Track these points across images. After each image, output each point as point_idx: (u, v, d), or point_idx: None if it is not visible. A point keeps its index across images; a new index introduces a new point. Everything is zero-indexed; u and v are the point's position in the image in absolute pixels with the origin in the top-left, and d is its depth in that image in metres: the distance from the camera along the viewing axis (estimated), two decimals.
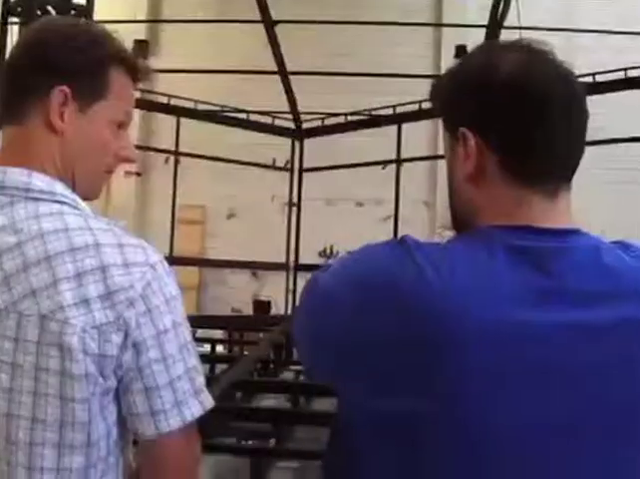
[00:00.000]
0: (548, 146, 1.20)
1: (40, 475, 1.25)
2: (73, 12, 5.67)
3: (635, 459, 1.17)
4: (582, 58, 11.36)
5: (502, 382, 1.11)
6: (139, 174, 13.31)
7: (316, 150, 9.74)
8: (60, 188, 1.35)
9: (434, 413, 1.11)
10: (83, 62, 1.39)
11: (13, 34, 5.98)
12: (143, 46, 12.63)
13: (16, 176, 1.33)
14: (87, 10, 5.67)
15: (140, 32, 12.65)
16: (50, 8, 5.76)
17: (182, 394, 1.33)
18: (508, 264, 1.15)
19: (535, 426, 1.12)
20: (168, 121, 9.06)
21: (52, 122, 1.37)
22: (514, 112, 1.19)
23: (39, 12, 5.65)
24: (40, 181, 1.33)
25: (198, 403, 1.35)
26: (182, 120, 8.81)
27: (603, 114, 10.10)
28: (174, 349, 1.32)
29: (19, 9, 5.66)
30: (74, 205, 1.36)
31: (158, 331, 1.29)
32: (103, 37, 1.44)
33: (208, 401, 1.38)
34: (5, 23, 5.96)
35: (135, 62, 1.47)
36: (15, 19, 5.94)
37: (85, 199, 1.41)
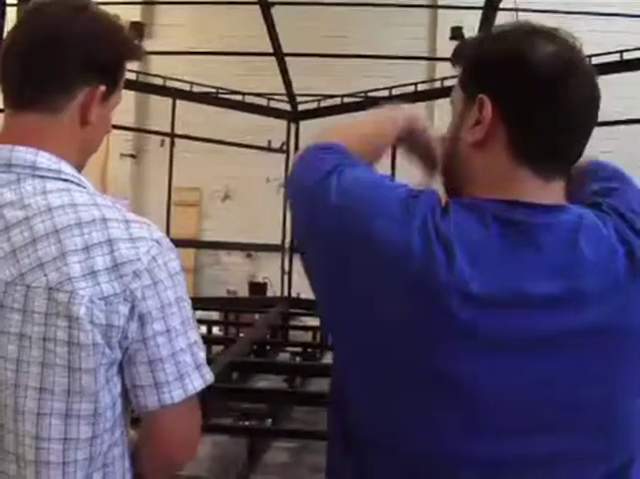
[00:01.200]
0: (555, 133, 1.26)
1: (47, 444, 1.28)
2: None
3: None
4: (580, 40, 11.40)
5: (495, 347, 1.18)
6: (134, 156, 13.30)
7: (312, 132, 9.74)
8: (66, 166, 1.39)
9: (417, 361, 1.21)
10: (115, 59, 1.46)
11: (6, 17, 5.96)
12: (138, 28, 12.57)
13: (22, 154, 1.35)
14: None
15: (135, 14, 12.59)
16: None
17: (185, 367, 1.36)
18: (501, 236, 1.21)
19: (519, 386, 1.20)
20: (164, 103, 9.04)
21: (87, 118, 1.42)
22: (537, 95, 1.25)
23: None
24: (46, 159, 1.36)
25: (200, 377, 1.39)
26: (178, 102, 8.80)
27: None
28: (177, 323, 1.35)
29: None
30: (79, 182, 1.39)
31: (162, 304, 1.33)
32: (126, 33, 1.51)
33: (210, 375, 1.41)
34: (3, 4, 5.93)
35: (142, 52, 1.56)
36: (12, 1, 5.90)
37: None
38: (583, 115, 1.29)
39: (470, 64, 1.38)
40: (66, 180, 1.37)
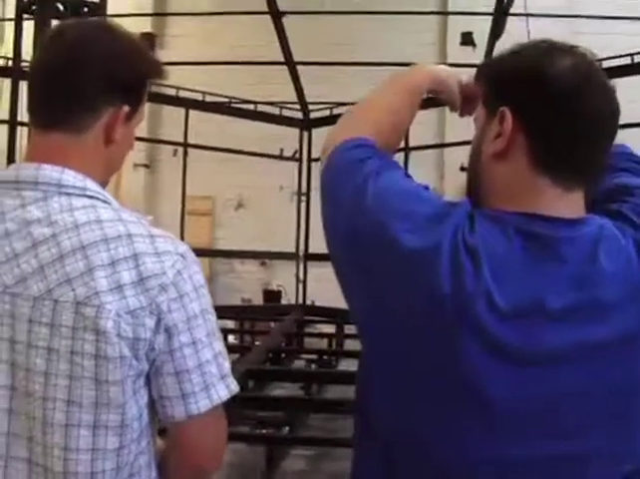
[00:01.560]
0: (574, 144, 1.29)
1: (76, 455, 1.30)
2: (86, 9, 5.70)
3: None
4: (587, 44, 11.40)
5: (518, 358, 1.21)
6: (147, 166, 13.35)
7: (324, 140, 9.76)
8: (91, 184, 1.42)
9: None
10: (138, 80, 1.49)
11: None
12: (149, 39, 12.64)
13: (48, 172, 1.38)
14: (99, 7, 5.69)
15: (146, 25, 12.66)
16: (60, 6, 5.80)
17: (210, 378, 1.39)
18: (523, 249, 1.24)
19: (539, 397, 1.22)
20: (176, 113, 9.09)
21: (112, 136, 1.45)
22: (555, 107, 1.28)
23: (61, 6, 5.70)
24: (72, 177, 1.39)
25: (225, 387, 1.41)
26: (190, 112, 8.85)
27: None
28: (203, 334, 1.39)
29: (33, 7, 5.69)
30: (104, 199, 1.42)
31: (188, 317, 1.36)
32: (148, 54, 1.54)
33: (234, 385, 1.44)
34: (20, 21, 5.99)
35: (164, 72, 1.56)
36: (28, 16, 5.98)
37: None
38: (602, 126, 1.32)
39: (490, 80, 1.41)
40: (91, 197, 1.40)
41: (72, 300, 1.29)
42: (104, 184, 1.47)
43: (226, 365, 1.43)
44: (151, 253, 1.35)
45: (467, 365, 1.21)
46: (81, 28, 1.50)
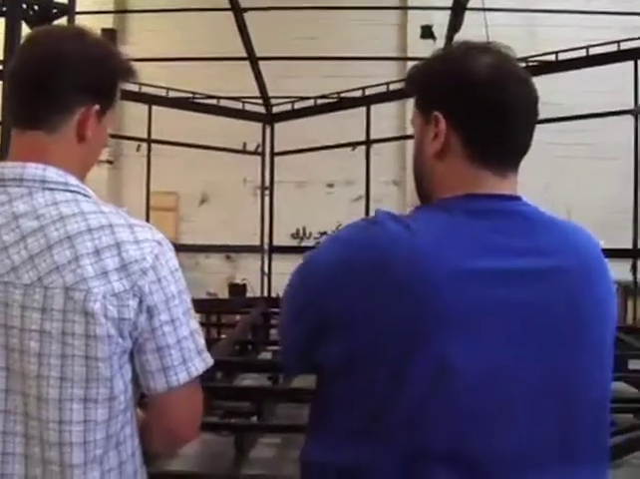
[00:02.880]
0: (505, 138, 1.46)
1: (69, 427, 1.42)
2: (54, 10, 5.74)
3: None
4: (544, 37, 11.60)
5: (470, 321, 1.33)
6: (110, 161, 13.33)
7: (286, 133, 9.86)
8: (72, 179, 1.53)
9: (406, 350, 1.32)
10: (107, 80, 1.60)
11: None
12: (110, 34, 12.62)
13: (32, 169, 1.50)
14: (68, 8, 5.73)
15: (107, 21, 12.65)
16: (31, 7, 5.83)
17: (188, 352, 1.52)
18: (466, 222, 1.39)
19: (498, 356, 1.34)
20: (139, 108, 9.12)
21: (84, 134, 1.55)
22: (484, 107, 1.44)
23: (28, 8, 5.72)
24: (54, 173, 1.51)
25: (202, 360, 1.54)
26: (153, 107, 8.89)
27: (563, 91, 10.36)
28: (180, 313, 1.51)
29: (3, 8, 5.72)
30: (85, 193, 1.54)
31: (167, 297, 1.49)
32: (116, 53, 1.64)
33: (209, 359, 1.57)
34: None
35: (135, 73, 1.67)
36: None
37: None
38: (524, 113, 1.47)
39: (421, 86, 1.56)
40: (73, 191, 1.51)
41: (61, 286, 1.41)
42: (82, 178, 1.58)
43: (202, 341, 1.55)
44: (131, 241, 1.47)
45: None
46: (54, 32, 1.62)
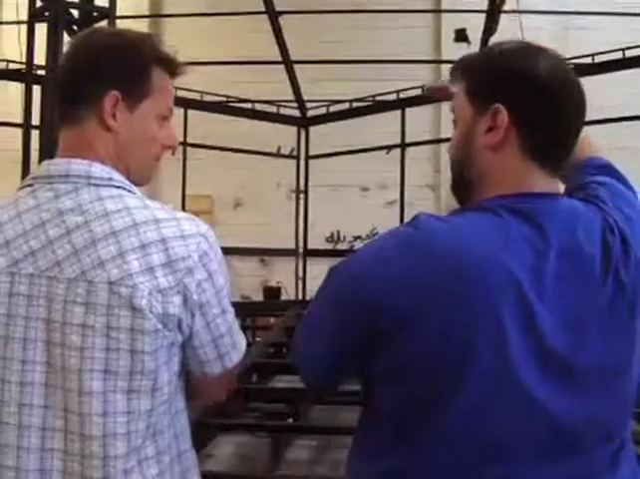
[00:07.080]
0: (563, 139, 1.49)
1: (114, 418, 1.45)
2: (95, 14, 5.81)
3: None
4: (580, 39, 11.52)
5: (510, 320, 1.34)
6: None
7: (321, 137, 9.88)
8: (117, 175, 1.56)
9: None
10: (128, 68, 1.59)
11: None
12: None
13: (78, 165, 1.53)
14: (108, 11, 5.80)
15: (143, 26, 12.74)
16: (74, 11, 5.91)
17: (236, 335, 1.62)
18: (513, 223, 1.40)
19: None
20: (174, 113, 9.13)
21: (107, 122, 1.56)
22: (551, 107, 1.46)
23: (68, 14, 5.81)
24: (99, 169, 1.54)
25: (243, 339, 1.67)
26: (189, 111, 8.94)
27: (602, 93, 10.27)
28: (227, 303, 1.59)
29: (46, 13, 5.80)
30: (129, 189, 1.57)
31: (217, 290, 1.54)
32: (142, 42, 1.64)
33: (245, 339, 1.69)
34: (33, 27, 6.11)
35: (171, 59, 1.67)
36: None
37: (137, 185, 1.63)
38: (577, 117, 1.50)
39: (479, 77, 1.54)
40: (118, 187, 1.54)
41: (105, 281, 1.43)
42: (128, 173, 1.59)
43: (236, 322, 1.64)
44: (177, 236, 1.49)
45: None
46: (92, 36, 1.65)
